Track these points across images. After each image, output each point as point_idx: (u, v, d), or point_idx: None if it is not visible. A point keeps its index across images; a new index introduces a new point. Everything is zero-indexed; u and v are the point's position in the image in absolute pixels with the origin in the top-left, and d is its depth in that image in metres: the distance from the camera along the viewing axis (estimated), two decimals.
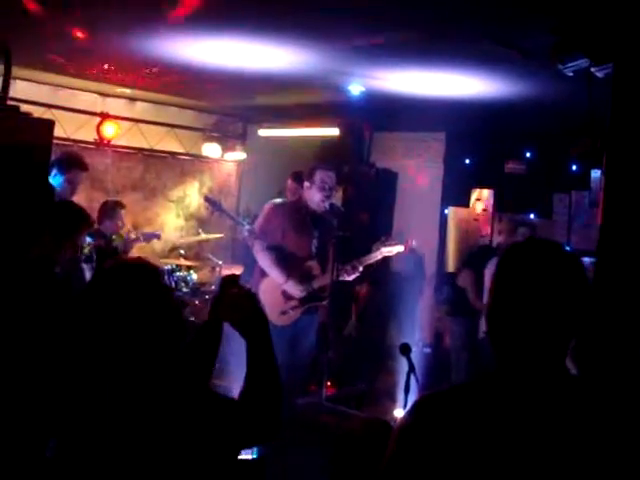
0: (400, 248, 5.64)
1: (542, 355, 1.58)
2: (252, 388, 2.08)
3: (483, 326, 6.02)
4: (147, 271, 2.01)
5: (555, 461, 1.50)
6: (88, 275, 4.44)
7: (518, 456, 1.50)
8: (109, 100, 8.06)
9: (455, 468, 1.52)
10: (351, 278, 5.43)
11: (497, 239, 7.58)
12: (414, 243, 6.65)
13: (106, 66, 6.37)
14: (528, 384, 1.57)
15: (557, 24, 3.46)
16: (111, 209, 6.46)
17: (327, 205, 5.30)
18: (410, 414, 1.65)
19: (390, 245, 5.61)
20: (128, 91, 7.80)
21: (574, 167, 7.49)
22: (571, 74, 3.48)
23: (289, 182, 6.68)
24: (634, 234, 3.04)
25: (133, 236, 6.76)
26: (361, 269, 5.41)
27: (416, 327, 7.50)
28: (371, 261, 5.56)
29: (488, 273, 6.04)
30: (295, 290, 5.25)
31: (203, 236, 7.21)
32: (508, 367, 1.61)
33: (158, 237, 6.95)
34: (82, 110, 7.86)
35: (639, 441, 1.53)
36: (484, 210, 8.17)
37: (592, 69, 3.38)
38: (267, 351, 2.13)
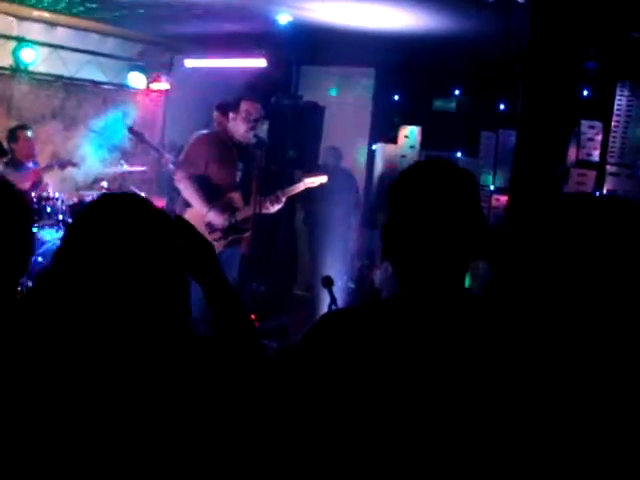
0: (323, 179, 5.60)
1: (438, 275, 1.57)
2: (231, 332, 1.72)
3: None
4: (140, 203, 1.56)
5: (443, 380, 1.51)
6: None
7: (406, 374, 1.52)
8: (26, 24, 7.65)
9: (347, 383, 1.54)
10: (274, 210, 5.38)
11: None
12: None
13: None
14: (425, 304, 1.58)
15: None
16: (11, 133, 6.64)
17: (252, 136, 5.22)
18: (313, 327, 1.68)
19: (313, 175, 5.57)
20: (47, 15, 7.43)
21: (502, 106, 7.53)
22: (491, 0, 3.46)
23: (215, 113, 6.54)
24: (546, 162, 3.07)
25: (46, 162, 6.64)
26: (284, 200, 5.37)
27: (343, 260, 7.47)
28: (294, 192, 5.51)
29: None
30: (218, 219, 5.14)
31: (126, 167, 7.02)
32: (408, 288, 1.61)
33: (74, 164, 6.77)
34: None
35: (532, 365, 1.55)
36: (412, 147, 8.16)
37: None
38: (228, 290, 1.75)
